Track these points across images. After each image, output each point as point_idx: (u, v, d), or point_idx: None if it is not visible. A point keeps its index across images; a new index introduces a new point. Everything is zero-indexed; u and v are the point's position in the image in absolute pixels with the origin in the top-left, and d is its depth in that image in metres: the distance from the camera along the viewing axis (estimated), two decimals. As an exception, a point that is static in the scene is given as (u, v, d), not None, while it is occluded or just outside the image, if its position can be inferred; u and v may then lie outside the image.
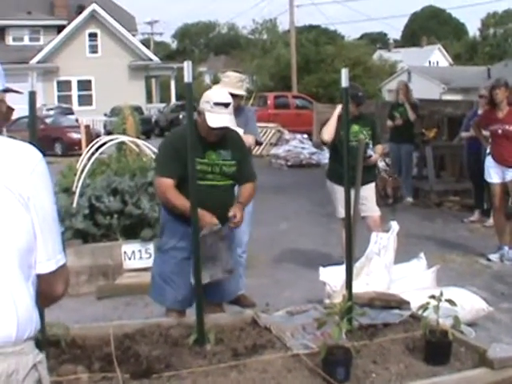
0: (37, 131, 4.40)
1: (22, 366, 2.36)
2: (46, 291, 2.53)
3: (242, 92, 7.23)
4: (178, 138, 5.35)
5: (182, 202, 5.18)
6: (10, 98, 2.72)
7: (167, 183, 5.31)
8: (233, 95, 6.58)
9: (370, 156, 8.46)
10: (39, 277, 2.46)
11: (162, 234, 5.67)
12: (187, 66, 4.62)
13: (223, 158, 5.39)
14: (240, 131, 5.97)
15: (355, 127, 8.41)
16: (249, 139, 6.86)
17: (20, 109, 5.70)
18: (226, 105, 5.24)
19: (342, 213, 8.62)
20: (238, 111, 7.04)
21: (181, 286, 5.43)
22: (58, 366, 4.29)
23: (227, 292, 5.72)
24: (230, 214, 5.25)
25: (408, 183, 14.87)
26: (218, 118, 5.19)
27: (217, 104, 5.21)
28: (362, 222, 8.55)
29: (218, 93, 5.50)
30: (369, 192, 8.55)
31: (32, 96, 4.18)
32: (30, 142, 2.67)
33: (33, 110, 4.23)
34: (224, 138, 5.41)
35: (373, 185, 8.81)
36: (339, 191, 8.61)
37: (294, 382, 4.21)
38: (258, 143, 7.87)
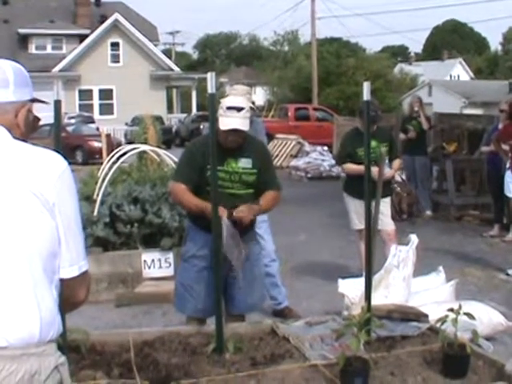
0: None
1: (45, 367, 2.40)
2: (68, 296, 2.57)
3: (249, 104, 7.25)
4: (197, 146, 5.49)
5: (196, 202, 5.26)
6: (33, 106, 2.77)
7: (180, 187, 5.40)
8: None
9: (385, 173, 8.42)
10: (62, 282, 2.51)
11: (184, 242, 5.72)
12: (211, 76, 4.66)
13: (243, 166, 5.40)
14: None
15: (373, 143, 8.26)
16: None
17: (42, 117, 5.75)
18: (239, 109, 5.28)
19: (357, 224, 8.66)
20: None
21: (201, 294, 5.43)
22: (78, 371, 4.32)
23: (249, 304, 5.68)
24: (239, 208, 5.26)
25: (425, 196, 14.81)
26: (229, 121, 5.23)
27: (229, 108, 5.28)
28: (378, 235, 8.55)
29: (231, 98, 5.58)
30: (384, 206, 8.52)
31: (57, 105, 4.22)
32: (56, 150, 2.71)
33: (58, 119, 4.27)
34: (246, 147, 5.44)
35: (388, 199, 8.80)
36: (354, 204, 8.64)
37: (312, 392, 4.22)
38: None
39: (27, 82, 2.71)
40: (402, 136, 14.65)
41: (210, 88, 4.67)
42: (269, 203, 5.53)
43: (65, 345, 3.85)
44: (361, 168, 7.59)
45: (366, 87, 4.99)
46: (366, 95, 4.99)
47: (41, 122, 3.06)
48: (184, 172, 5.48)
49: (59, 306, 2.50)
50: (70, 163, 2.60)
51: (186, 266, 5.62)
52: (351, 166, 8.58)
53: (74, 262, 2.52)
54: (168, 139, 33.37)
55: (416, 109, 14.50)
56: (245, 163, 5.42)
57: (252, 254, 5.49)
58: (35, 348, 2.37)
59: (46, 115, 5.07)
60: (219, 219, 4.92)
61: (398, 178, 14.00)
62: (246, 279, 5.44)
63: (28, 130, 2.71)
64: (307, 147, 25.93)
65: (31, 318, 2.37)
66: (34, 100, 2.74)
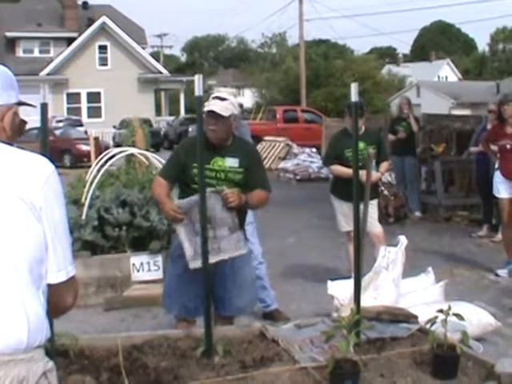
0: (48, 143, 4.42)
1: (32, 373, 2.38)
2: (56, 301, 2.55)
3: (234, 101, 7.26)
4: (184, 145, 5.71)
5: (160, 193, 5.50)
6: (20, 109, 2.75)
7: (159, 180, 5.62)
8: None
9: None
10: (49, 287, 2.49)
11: (172, 242, 5.76)
12: (198, 79, 4.66)
13: (230, 164, 5.49)
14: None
15: (361, 144, 8.09)
16: None
17: (30, 120, 5.73)
18: (222, 99, 5.46)
19: (344, 226, 8.67)
20: None
21: (186, 293, 5.46)
22: (67, 376, 4.30)
23: (238, 307, 5.67)
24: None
25: (414, 197, 14.86)
26: (209, 104, 5.41)
27: (214, 98, 5.48)
28: (366, 237, 8.54)
29: (219, 92, 5.75)
30: (371, 209, 8.48)
31: (44, 108, 4.20)
32: (42, 154, 2.69)
33: (45, 122, 4.25)
34: (233, 146, 5.55)
35: (375, 202, 8.79)
36: (341, 205, 8.64)
37: (302, 395, 4.22)
38: None
39: (13, 84, 2.69)
40: (391, 137, 14.70)
41: (198, 90, 4.67)
42: (254, 198, 5.52)
43: (53, 350, 3.84)
44: (348, 171, 7.61)
45: (354, 88, 4.99)
46: (354, 96, 4.99)
47: (29, 126, 3.04)
48: (166, 168, 5.77)
49: (47, 312, 2.48)
50: (57, 167, 2.59)
51: (173, 266, 5.69)
52: (339, 168, 8.55)
53: (61, 266, 2.50)
54: (156, 142, 33.34)
55: (405, 111, 14.54)
56: (232, 162, 5.50)
57: (241, 256, 5.49)
58: (23, 354, 2.35)
59: (33, 119, 5.06)
60: (206, 218, 4.95)
61: (384, 180, 14.01)
62: (235, 281, 5.45)
63: (14, 134, 2.68)
64: (296, 149, 25.98)
65: (18, 323, 2.34)
66: (20, 103, 2.72)
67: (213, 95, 5.53)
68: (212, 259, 5.10)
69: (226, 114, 5.35)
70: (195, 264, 5.17)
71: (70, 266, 2.53)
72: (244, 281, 5.58)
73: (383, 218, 11.92)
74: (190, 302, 5.46)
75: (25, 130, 3.02)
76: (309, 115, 37.13)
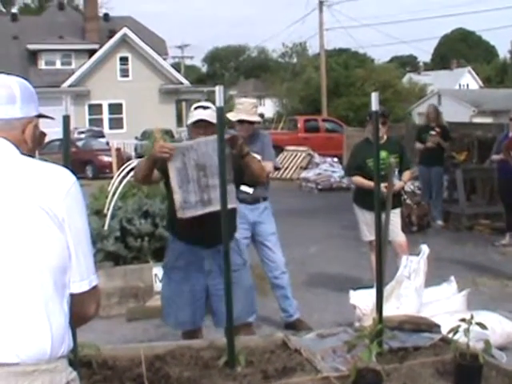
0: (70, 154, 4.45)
1: (56, 383, 2.40)
2: (79, 311, 2.57)
3: (256, 118, 7.24)
4: None
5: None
6: (43, 121, 2.78)
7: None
8: (248, 122, 6.68)
9: (394, 184, 8.31)
10: (72, 296, 2.51)
11: (166, 252, 5.74)
12: (219, 90, 4.67)
13: None
14: (257, 157, 5.98)
15: (383, 154, 7.92)
16: (267, 166, 6.87)
17: (52, 132, 5.78)
18: (205, 107, 5.45)
19: (367, 236, 8.63)
20: (254, 137, 7.13)
21: (180, 306, 5.45)
22: (90, 386, 4.32)
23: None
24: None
25: (438, 206, 14.80)
26: (195, 114, 5.41)
27: (197, 108, 5.47)
28: (389, 246, 8.52)
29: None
30: (394, 218, 8.44)
31: (66, 120, 4.22)
32: (64, 165, 2.71)
33: (67, 134, 4.27)
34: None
35: (398, 211, 8.75)
36: (364, 215, 8.61)
37: (324, 405, 4.21)
38: (277, 168, 7.98)
39: (34, 97, 2.71)
40: (419, 145, 14.64)
41: (218, 101, 4.67)
42: (255, 160, 5.49)
43: (76, 360, 3.85)
44: (369, 183, 7.59)
45: (375, 98, 4.98)
46: (375, 106, 4.99)
47: (51, 137, 3.08)
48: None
49: (70, 322, 2.50)
50: (79, 178, 2.61)
51: (166, 278, 5.67)
52: (360, 180, 8.52)
53: (84, 276, 2.52)
54: (178, 152, 33.31)
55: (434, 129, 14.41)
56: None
57: (233, 265, 5.40)
58: (46, 364, 2.37)
59: (55, 130, 5.09)
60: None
61: (407, 189, 13.97)
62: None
63: (35, 146, 2.71)
64: (317, 159, 25.97)
65: (42, 333, 2.36)
66: (40, 116, 2.74)
67: (194, 105, 5.53)
68: (200, 211, 5.06)
69: (214, 120, 5.25)
70: (183, 214, 5.12)
71: (92, 275, 2.56)
72: (236, 290, 5.45)
73: (406, 226, 11.90)
74: (182, 314, 5.46)
75: (45, 142, 3.05)
76: (330, 125, 37.07)
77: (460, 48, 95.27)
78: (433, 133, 14.32)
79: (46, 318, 2.37)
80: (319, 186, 22.84)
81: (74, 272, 2.49)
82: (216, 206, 5.01)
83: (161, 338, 7.20)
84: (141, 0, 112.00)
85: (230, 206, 4.95)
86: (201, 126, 5.35)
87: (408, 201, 13.83)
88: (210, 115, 5.34)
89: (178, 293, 5.45)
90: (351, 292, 7.07)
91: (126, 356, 4.93)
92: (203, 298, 5.41)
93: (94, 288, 2.57)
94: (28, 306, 2.36)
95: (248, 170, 5.36)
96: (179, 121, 51.06)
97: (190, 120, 5.42)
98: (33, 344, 2.34)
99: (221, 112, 4.76)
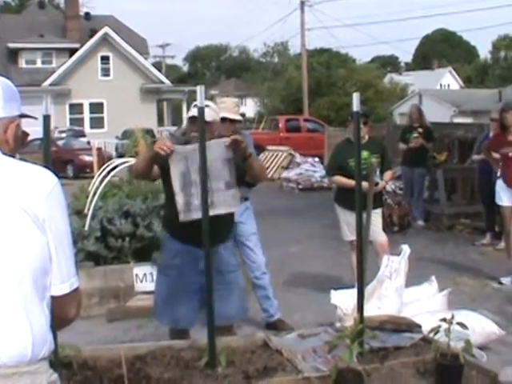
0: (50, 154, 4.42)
1: None
2: (59, 313, 2.56)
3: (238, 117, 7.24)
4: None
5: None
6: (23, 120, 2.76)
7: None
8: (230, 120, 6.69)
9: (377, 183, 8.33)
10: (53, 299, 2.49)
11: (162, 250, 5.76)
12: (200, 90, 4.67)
13: None
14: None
15: (364, 154, 7.97)
16: None
17: (33, 131, 5.74)
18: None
19: (348, 235, 8.64)
20: None
21: (175, 304, 5.45)
22: (70, 387, 4.30)
23: (225, 316, 5.44)
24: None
25: (419, 206, 14.83)
26: (191, 112, 5.45)
27: (195, 106, 5.40)
28: (370, 246, 8.53)
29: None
30: (375, 217, 8.45)
31: (46, 120, 4.20)
32: (45, 165, 2.70)
33: (47, 134, 4.25)
34: None
35: (379, 210, 8.77)
36: (345, 215, 8.61)
37: (305, 405, 4.21)
38: None
39: (16, 97, 2.70)
40: (402, 146, 14.67)
41: (200, 101, 4.67)
42: (256, 162, 5.67)
43: (57, 361, 3.83)
44: (350, 182, 7.60)
45: (356, 98, 4.99)
46: (356, 106, 4.99)
47: (31, 136, 3.06)
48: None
49: (50, 324, 2.49)
50: (60, 177, 2.60)
51: (160, 277, 5.68)
52: (341, 179, 8.54)
53: (65, 278, 2.51)
54: (159, 152, 33.25)
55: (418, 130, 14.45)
56: None
57: (227, 265, 5.47)
58: (27, 366, 2.36)
59: (36, 129, 5.06)
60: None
61: (388, 189, 14.00)
62: (224, 291, 5.41)
63: (17, 146, 2.69)
64: (298, 158, 25.98)
65: (23, 336, 2.35)
66: (22, 115, 2.73)
67: (194, 103, 5.52)
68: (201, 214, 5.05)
69: (209, 118, 5.32)
70: (185, 217, 5.13)
71: (73, 277, 2.54)
72: (231, 289, 5.48)
73: (387, 226, 11.93)
74: (177, 312, 5.46)
75: (27, 142, 3.03)
76: (311, 124, 37.11)
77: (441, 48, 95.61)
78: (415, 135, 14.36)
79: (27, 320, 2.36)
80: (300, 186, 22.85)
81: (55, 274, 2.47)
82: (219, 210, 5.11)
83: (141, 339, 7.19)
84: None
85: (232, 210, 5.27)
86: (194, 123, 5.35)
87: (389, 201, 13.85)
88: (205, 113, 5.37)
89: (173, 290, 5.46)
90: (332, 292, 7.07)
91: (107, 357, 4.91)
92: (198, 298, 5.38)
93: (75, 290, 2.56)
94: (8, 308, 2.34)
95: (251, 171, 5.46)
96: (160, 120, 51.08)
97: (187, 116, 5.49)
98: (13, 346, 2.33)
99: (202, 111, 4.76)
